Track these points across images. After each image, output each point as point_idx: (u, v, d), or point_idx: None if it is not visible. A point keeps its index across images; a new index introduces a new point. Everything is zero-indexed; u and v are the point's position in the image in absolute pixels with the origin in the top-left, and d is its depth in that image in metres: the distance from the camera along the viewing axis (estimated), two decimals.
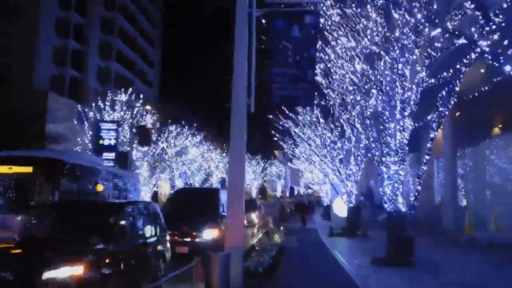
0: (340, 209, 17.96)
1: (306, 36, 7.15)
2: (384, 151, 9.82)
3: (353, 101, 11.84)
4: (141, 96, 31.35)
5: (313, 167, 26.39)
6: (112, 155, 26.42)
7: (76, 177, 10.45)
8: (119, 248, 5.90)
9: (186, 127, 37.94)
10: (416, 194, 9.54)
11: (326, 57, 11.96)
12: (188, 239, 10.32)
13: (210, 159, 46.02)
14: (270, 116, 19.32)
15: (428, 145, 9.49)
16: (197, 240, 10.33)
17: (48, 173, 9.24)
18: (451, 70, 9.11)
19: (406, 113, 9.64)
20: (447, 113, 9.25)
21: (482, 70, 12.50)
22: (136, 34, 48.97)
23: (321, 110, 17.65)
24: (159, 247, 7.46)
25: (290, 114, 18.80)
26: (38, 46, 31.74)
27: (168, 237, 8.22)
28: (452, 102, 9.09)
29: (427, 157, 9.52)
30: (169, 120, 35.65)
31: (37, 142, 25.14)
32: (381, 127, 9.92)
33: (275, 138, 28.11)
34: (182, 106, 46.32)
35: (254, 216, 18.32)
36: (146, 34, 52.90)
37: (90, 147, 27.24)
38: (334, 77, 13.07)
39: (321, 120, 18.16)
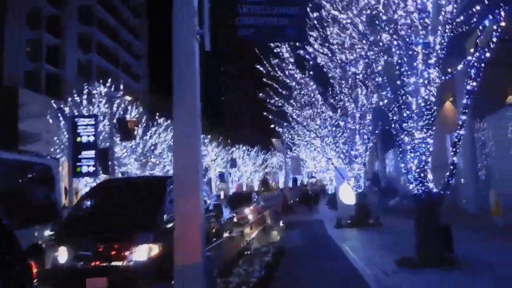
0: (347, 196, 15.59)
1: None
2: (404, 114, 7.37)
3: (359, 56, 9.28)
4: (121, 87, 28.85)
5: (315, 153, 24.19)
6: (91, 153, 24.14)
7: None
8: None
9: None
10: (452, 168, 7.09)
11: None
12: (108, 264, 6.27)
13: (206, 153, 43.59)
14: (261, 94, 16.79)
15: (464, 101, 7.01)
16: (124, 264, 6.24)
17: None
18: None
19: (431, 61, 7.20)
20: (488, 55, 6.77)
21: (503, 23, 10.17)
22: (118, 25, 46.20)
23: (317, 82, 15.15)
24: None
25: (289, 83, 16.11)
26: (7, 40, 29.17)
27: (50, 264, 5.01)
28: (495, 40, 6.67)
29: (463, 117, 7.05)
30: (157, 113, 33.28)
31: (10, 141, 22.75)
32: (398, 83, 7.47)
33: (272, 126, 26.10)
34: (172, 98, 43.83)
35: (248, 211, 16.04)
36: (129, 26, 50.08)
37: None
38: (331, 29, 10.51)
39: (319, 97, 15.70)
